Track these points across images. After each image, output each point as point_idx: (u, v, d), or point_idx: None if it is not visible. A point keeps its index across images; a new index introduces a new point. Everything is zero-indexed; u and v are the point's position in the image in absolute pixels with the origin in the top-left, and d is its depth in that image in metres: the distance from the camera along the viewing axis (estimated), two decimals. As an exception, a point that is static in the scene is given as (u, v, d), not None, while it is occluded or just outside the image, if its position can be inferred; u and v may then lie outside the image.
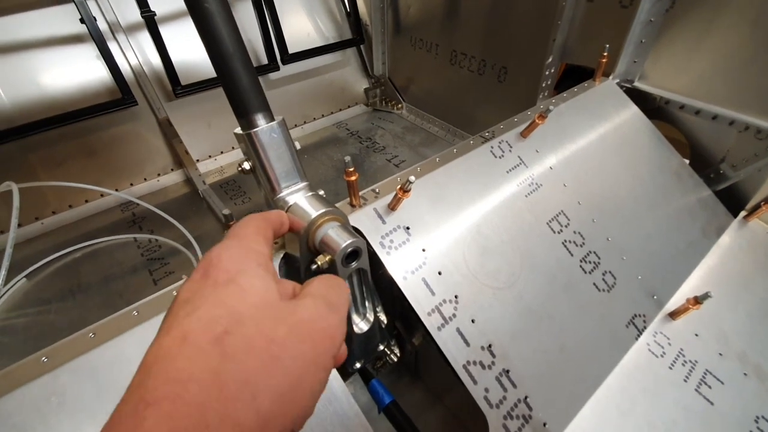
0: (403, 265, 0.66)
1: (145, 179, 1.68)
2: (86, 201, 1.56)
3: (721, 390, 0.74)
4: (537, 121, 0.84)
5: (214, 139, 1.81)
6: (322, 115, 2.09)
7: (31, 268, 1.30)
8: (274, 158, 0.57)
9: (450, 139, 1.90)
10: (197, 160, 1.75)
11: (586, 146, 0.93)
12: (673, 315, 0.80)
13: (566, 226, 0.82)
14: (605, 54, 1.02)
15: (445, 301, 0.66)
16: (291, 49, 1.79)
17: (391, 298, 0.75)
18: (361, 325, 0.69)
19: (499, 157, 0.83)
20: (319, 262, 0.54)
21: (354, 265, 0.58)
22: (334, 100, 2.12)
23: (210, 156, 1.82)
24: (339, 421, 0.54)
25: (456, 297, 0.66)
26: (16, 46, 1.37)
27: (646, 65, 1.10)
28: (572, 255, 0.79)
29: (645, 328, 0.78)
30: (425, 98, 2.01)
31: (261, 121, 0.55)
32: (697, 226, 0.95)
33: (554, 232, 0.80)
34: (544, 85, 1.36)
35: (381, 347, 0.80)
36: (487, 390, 0.62)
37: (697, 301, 0.76)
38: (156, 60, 1.58)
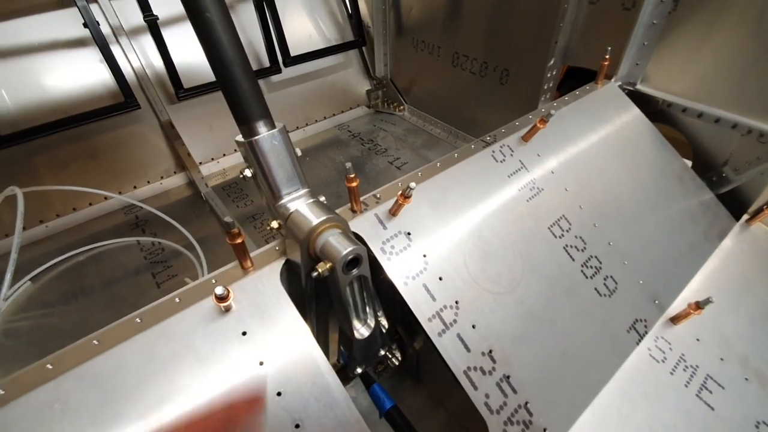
0: (403, 271, 0.66)
1: (148, 182, 1.69)
2: (90, 204, 1.57)
3: (722, 395, 0.74)
4: (538, 125, 0.84)
5: (216, 142, 1.82)
6: (324, 117, 2.09)
7: (35, 271, 1.31)
8: (275, 165, 0.57)
9: (452, 141, 1.90)
10: (200, 163, 1.76)
11: (588, 150, 0.93)
12: (675, 320, 0.80)
13: (567, 231, 0.82)
14: (607, 56, 1.02)
15: (445, 306, 0.66)
16: (293, 52, 1.80)
17: (392, 303, 0.75)
18: (362, 331, 0.69)
19: (501, 162, 0.83)
20: (319, 270, 0.55)
21: (355, 272, 0.58)
22: (336, 102, 2.12)
23: (212, 158, 1.82)
24: (340, 426, 0.55)
25: (457, 302, 0.67)
26: (19, 49, 1.38)
27: (649, 68, 1.09)
28: (573, 260, 0.79)
29: (646, 333, 0.78)
30: (427, 100, 2.01)
31: (262, 128, 0.56)
32: (699, 230, 0.95)
33: (555, 236, 0.80)
34: (546, 87, 1.36)
35: (382, 352, 0.80)
36: (487, 396, 0.62)
37: (699, 306, 0.76)
38: (158, 63, 1.59)
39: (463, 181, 0.78)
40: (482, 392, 0.62)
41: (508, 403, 0.63)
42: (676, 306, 0.82)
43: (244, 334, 0.56)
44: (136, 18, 1.51)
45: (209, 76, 1.64)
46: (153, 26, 1.50)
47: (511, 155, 0.85)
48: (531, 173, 0.85)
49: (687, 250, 0.91)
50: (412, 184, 0.63)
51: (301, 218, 0.57)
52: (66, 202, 1.53)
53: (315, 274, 0.55)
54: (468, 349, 0.64)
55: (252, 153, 0.56)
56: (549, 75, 1.33)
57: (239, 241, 0.56)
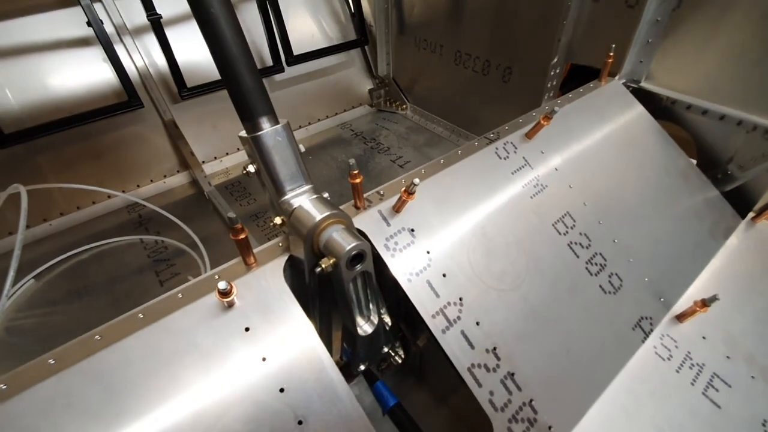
0: (407, 268, 0.65)
1: (151, 181, 1.69)
2: (93, 202, 1.57)
3: (729, 393, 0.73)
4: (542, 122, 0.84)
5: (219, 141, 1.82)
6: (327, 116, 2.09)
7: (39, 269, 1.31)
8: (279, 161, 0.57)
9: (454, 139, 1.90)
10: (203, 162, 1.76)
11: (592, 147, 0.93)
12: (680, 317, 0.79)
13: (572, 228, 0.81)
14: (611, 54, 1.02)
15: (449, 303, 0.65)
16: (296, 51, 1.80)
17: (395, 300, 0.75)
18: (365, 328, 0.69)
19: (504, 159, 0.83)
20: (323, 265, 0.55)
21: (358, 268, 0.58)
22: (339, 100, 2.12)
23: (215, 157, 1.83)
24: (343, 423, 0.54)
25: (460, 299, 0.66)
26: (23, 48, 1.39)
27: (653, 65, 1.09)
28: (578, 257, 0.79)
29: (652, 330, 0.77)
30: (429, 99, 2.01)
31: (266, 124, 0.56)
32: (704, 228, 0.94)
33: (560, 233, 0.80)
34: (549, 85, 1.35)
35: (385, 349, 0.80)
36: (491, 393, 0.62)
37: (705, 303, 0.75)
38: (162, 62, 1.59)
39: (467, 177, 0.78)
40: (486, 390, 0.62)
41: (513, 400, 0.63)
42: (682, 304, 0.82)
43: (247, 330, 0.55)
44: (140, 17, 1.51)
45: (212, 75, 1.64)
46: (156, 25, 1.50)
47: (515, 152, 0.85)
48: (535, 170, 0.84)
49: (692, 248, 0.91)
50: (416, 181, 0.63)
51: (305, 214, 0.57)
52: (70, 201, 1.53)
53: (318, 269, 0.55)
54: (472, 346, 0.64)
55: (256, 148, 0.56)
56: (552, 73, 1.32)
57: (242, 236, 0.56)
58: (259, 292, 0.58)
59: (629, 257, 0.83)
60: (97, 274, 1.32)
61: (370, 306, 0.68)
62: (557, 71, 1.32)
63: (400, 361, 0.85)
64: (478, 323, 0.66)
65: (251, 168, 0.59)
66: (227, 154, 1.85)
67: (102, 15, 1.45)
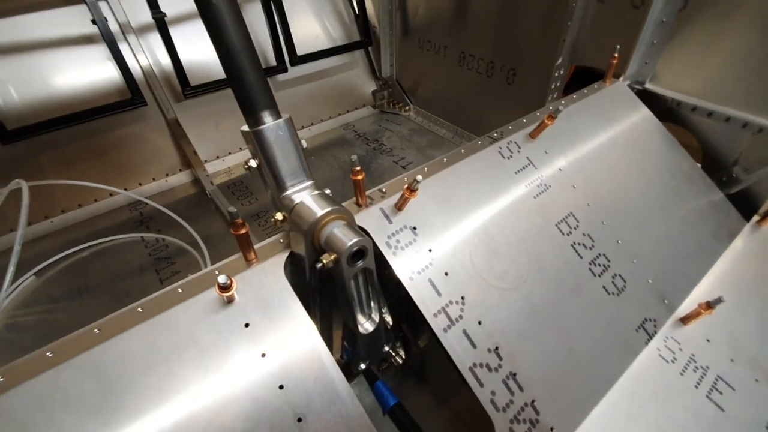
0: (409, 266, 0.65)
1: (153, 179, 1.69)
2: (95, 200, 1.57)
3: (732, 396, 0.72)
4: (546, 121, 0.84)
5: (221, 140, 1.82)
6: (330, 117, 2.09)
7: (39, 266, 1.31)
8: (281, 156, 0.57)
9: (457, 141, 1.89)
10: (205, 161, 1.76)
11: (596, 148, 0.92)
12: (685, 320, 0.78)
13: (575, 228, 0.81)
14: (616, 55, 1.01)
15: (451, 302, 0.65)
16: (299, 51, 1.80)
17: (397, 299, 0.74)
18: (366, 326, 0.68)
19: (508, 158, 0.83)
20: (324, 261, 0.54)
21: (360, 264, 0.58)
22: (342, 101, 2.12)
23: (218, 157, 1.83)
24: (343, 422, 0.54)
25: (462, 298, 0.66)
26: (27, 45, 1.39)
27: (658, 66, 1.08)
28: (581, 257, 0.78)
29: (655, 332, 0.76)
30: (433, 100, 2.01)
31: (268, 118, 0.55)
32: (708, 230, 0.94)
33: (563, 233, 0.79)
34: (553, 86, 1.34)
35: (386, 348, 0.79)
36: (493, 393, 0.61)
37: (710, 305, 0.74)
38: (166, 61, 1.59)
39: (470, 176, 0.78)
40: (488, 390, 0.61)
41: (515, 401, 0.62)
42: (686, 306, 0.81)
43: (246, 326, 0.55)
44: (145, 15, 1.52)
45: (216, 74, 1.65)
46: (161, 24, 1.50)
47: (518, 152, 0.84)
48: (538, 170, 0.84)
49: (696, 251, 0.90)
50: (419, 177, 0.62)
51: (306, 209, 0.56)
52: (71, 198, 1.53)
53: (319, 265, 0.54)
54: (474, 346, 0.63)
55: (257, 142, 0.56)
56: (556, 74, 1.32)
57: (243, 231, 0.56)
58: (259, 288, 0.58)
59: (633, 258, 0.82)
60: (97, 272, 1.32)
61: (372, 304, 0.68)
62: (561, 72, 1.32)
63: (400, 362, 0.84)
64: (480, 322, 0.65)
65: (253, 162, 0.58)
66: (230, 153, 1.85)
67: (107, 13, 1.46)
